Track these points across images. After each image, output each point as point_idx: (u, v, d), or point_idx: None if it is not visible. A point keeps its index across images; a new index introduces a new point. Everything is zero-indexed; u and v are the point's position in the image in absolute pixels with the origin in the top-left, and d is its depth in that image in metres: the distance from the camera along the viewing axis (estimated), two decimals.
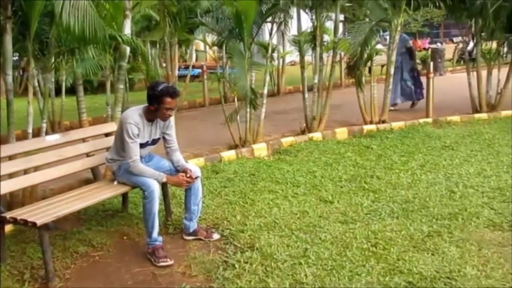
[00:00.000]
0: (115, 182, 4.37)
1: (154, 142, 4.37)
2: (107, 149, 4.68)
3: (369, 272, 3.65)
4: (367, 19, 8.64)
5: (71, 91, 9.97)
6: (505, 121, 8.99)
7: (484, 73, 9.95)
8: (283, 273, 3.68)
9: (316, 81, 8.50)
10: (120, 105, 5.90)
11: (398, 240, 4.17)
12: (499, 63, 10.16)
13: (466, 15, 9.98)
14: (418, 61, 20.52)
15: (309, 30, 8.88)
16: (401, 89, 10.89)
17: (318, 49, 8.44)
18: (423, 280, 3.51)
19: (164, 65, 13.09)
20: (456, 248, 3.99)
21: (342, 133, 8.32)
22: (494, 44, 10.30)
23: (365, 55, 8.27)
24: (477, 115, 9.50)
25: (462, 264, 3.72)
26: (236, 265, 3.85)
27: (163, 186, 4.31)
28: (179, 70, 15.73)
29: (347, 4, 9.23)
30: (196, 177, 4.31)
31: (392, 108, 10.32)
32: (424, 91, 10.30)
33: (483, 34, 9.86)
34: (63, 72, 9.46)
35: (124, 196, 4.90)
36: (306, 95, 8.57)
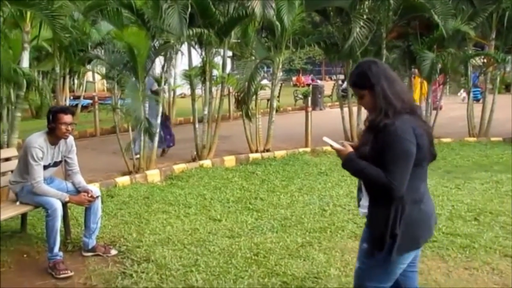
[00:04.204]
0: (18, 203, 4.62)
1: (56, 164, 4.71)
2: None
3: (251, 275, 4.25)
4: (252, 57, 9.46)
5: None
6: None
7: (355, 108, 11.18)
8: (176, 280, 4.18)
9: (206, 112, 9.09)
10: (17, 132, 6.10)
11: (277, 249, 4.82)
12: None
13: (338, 57, 11.15)
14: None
15: (199, 65, 9.41)
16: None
17: (207, 83, 9.06)
18: (295, 280, 4.17)
19: (53, 95, 13.06)
20: (323, 255, 4.70)
21: (230, 160, 8.97)
22: None
23: (252, 90, 9.02)
24: None
25: (328, 267, 4.42)
26: (134, 275, 4.27)
27: (63, 206, 4.62)
28: (69, 100, 15.68)
29: (233, 41, 9.92)
30: (97, 196, 4.70)
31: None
32: (174, 138, 10.04)
33: None
34: None
35: (23, 217, 5.12)
36: (197, 126, 9.13)
